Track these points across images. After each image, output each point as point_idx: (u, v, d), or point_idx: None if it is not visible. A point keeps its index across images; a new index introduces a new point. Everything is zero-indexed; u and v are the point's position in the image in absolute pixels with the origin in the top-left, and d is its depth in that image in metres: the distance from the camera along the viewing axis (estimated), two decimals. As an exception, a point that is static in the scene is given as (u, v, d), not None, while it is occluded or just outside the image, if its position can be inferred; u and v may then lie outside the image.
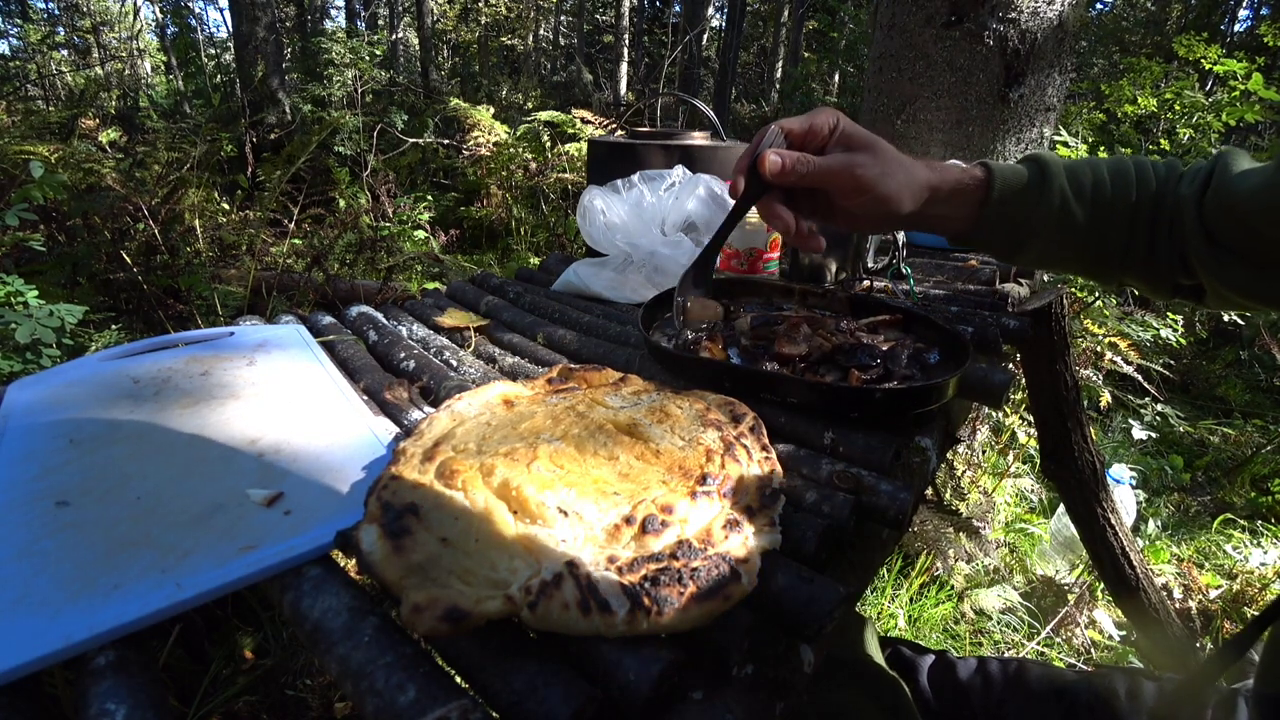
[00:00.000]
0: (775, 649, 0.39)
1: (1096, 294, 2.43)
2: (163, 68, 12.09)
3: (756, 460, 0.52)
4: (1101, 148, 3.11)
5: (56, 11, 10.70)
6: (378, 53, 6.04)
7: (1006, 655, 1.52)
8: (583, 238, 1.02)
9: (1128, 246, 0.64)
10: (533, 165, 4.57)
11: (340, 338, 0.84)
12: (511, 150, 4.68)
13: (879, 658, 0.84)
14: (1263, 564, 1.94)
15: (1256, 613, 1.71)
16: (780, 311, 0.81)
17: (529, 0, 12.50)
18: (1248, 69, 2.76)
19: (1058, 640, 1.69)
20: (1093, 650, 1.68)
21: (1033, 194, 0.63)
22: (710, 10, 11.43)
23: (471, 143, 4.89)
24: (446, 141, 5.37)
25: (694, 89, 10.02)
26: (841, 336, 0.73)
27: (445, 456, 0.50)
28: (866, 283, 1.04)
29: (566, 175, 4.39)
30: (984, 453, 2.22)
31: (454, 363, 0.77)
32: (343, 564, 0.46)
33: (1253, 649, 0.69)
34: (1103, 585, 1.60)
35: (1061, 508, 1.78)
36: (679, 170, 1.02)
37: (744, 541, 0.43)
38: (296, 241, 2.93)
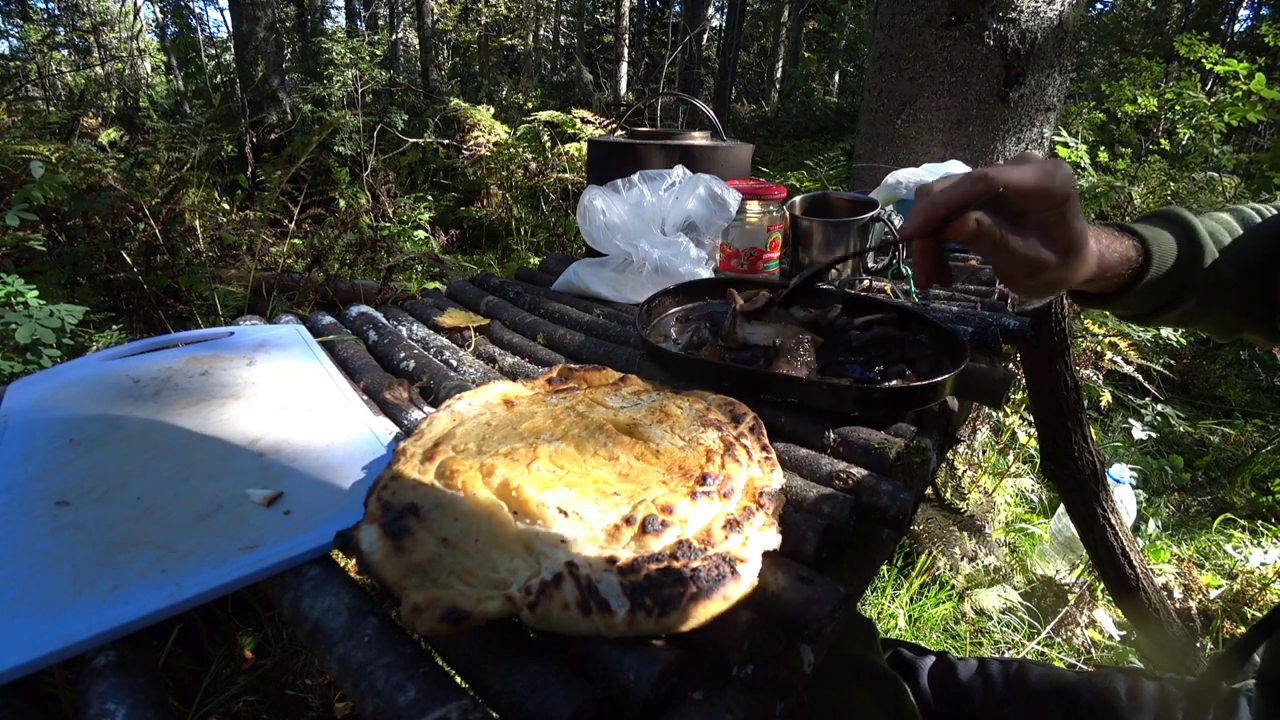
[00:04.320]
0: (775, 649, 0.39)
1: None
2: (163, 68, 12.09)
3: (756, 460, 0.52)
4: (1102, 148, 3.11)
5: (56, 11, 10.69)
6: (378, 53, 6.03)
7: (1007, 656, 1.52)
8: (583, 238, 1.02)
9: (1266, 298, 0.62)
10: (533, 165, 4.57)
11: (340, 338, 0.84)
12: (511, 150, 4.68)
13: (880, 658, 0.84)
14: (1263, 564, 1.94)
15: (1257, 614, 1.71)
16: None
17: (529, 0, 12.50)
18: (1250, 69, 2.76)
19: (1058, 640, 1.69)
20: (1093, 650, 1.68)
21: (1183, 268, 0.60)
22: (710, 10, 11.44)
23: (471, 143, 4.89)
24: (446, 141, 5.37)
25: (694, 89, 10.03)
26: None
27: (445, 456, 0.50)
28: (866, 282, 1.04)
29: (566, 175, 4.39)
30: (984, 453, 2.22)
31: (454, 363, 0.77)
32: (343, 564, 0.46)
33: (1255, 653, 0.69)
34: (1103, 585, 1.60)
35: (1061, 508, 1.78)
36: (679, 170, 1.02)
37: (744, 542, 0.43)
38: (296, 241, 2.93)
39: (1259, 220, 0.63)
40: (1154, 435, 2.69)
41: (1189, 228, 0.62)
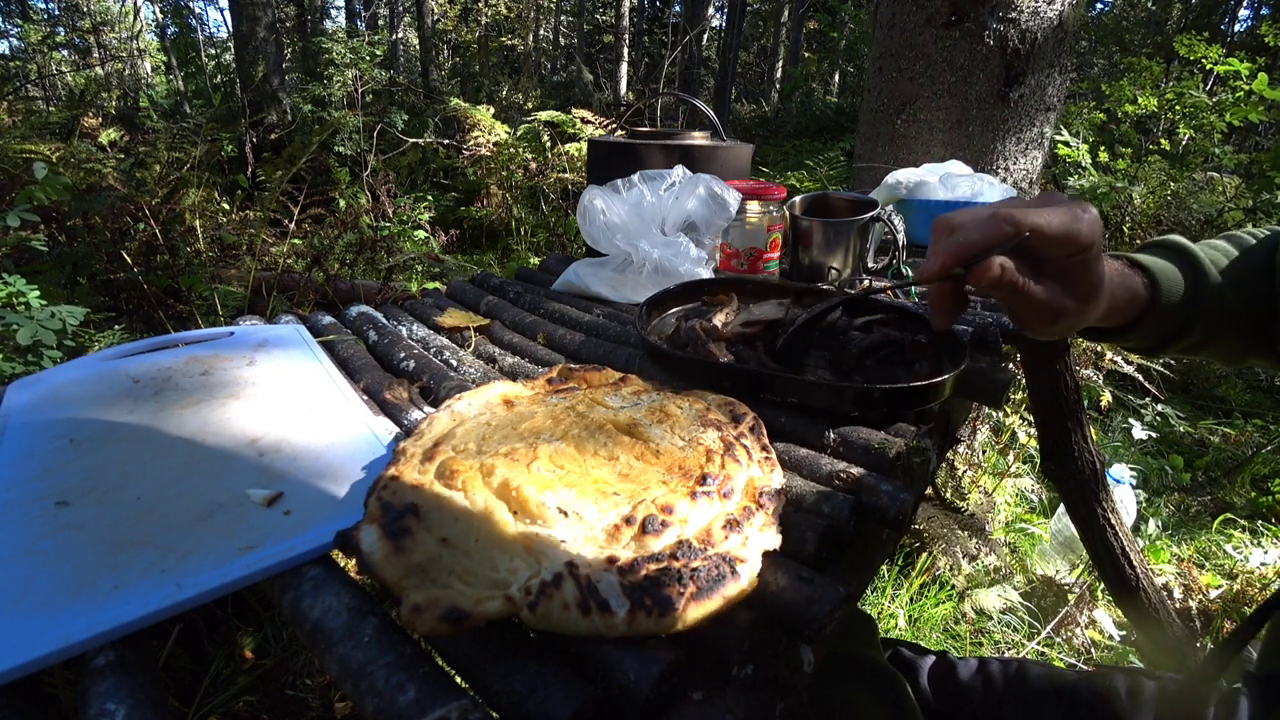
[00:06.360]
0: (775, 649, 0.39)
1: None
2: (163, 68, 12.10)
3: (756, 460, 0.52)
4: (1102, 148, 3.11)
5: (56, 11, 10.70)
6: (378, 53, 6.03)
7: (1007, 655, 1.52)
8: (583, 238, 1.02)
9: (1267, 319, 0.61)
10: (533, 165, 4.57)
11: (340, 338, 0.84)
12: (511, 150, 4.68)
13: (880, 654, 0.84)
14: (1263, 564, 1.94)
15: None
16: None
17: (529, 0, 12.51)
18: (1252, 69, 2.76)
19: (1058, 640, 1.69)
20: (1093, 650, 1.68)
21: (1189, 297, 0.60)
22: (710, 10, 11.44)
23: (471, 143, 4.89)
24: (446, 141, 5.37)
25: (694, 89, 10.03)
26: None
27: (445, 456, 0.50)
28: (866, 282, 1.04)
29: (566, 175, 4.39)
30: (984, 453, 2.22)
31: (454, 363, 0.77)
32: (343, 564, 0.46)
33: (1249, 645, 0.69)
34: (1103, 585, 1.60)
35: (1061, 508, 1.78)
36: (679, 170, 1.02)
37: (744, 542, 0.43)
38: (296, 241, 2.93)
39: (1253, 243, 0.63)
40: (1154, 435, 2.69)
41: (1190, 256, 0.61)
